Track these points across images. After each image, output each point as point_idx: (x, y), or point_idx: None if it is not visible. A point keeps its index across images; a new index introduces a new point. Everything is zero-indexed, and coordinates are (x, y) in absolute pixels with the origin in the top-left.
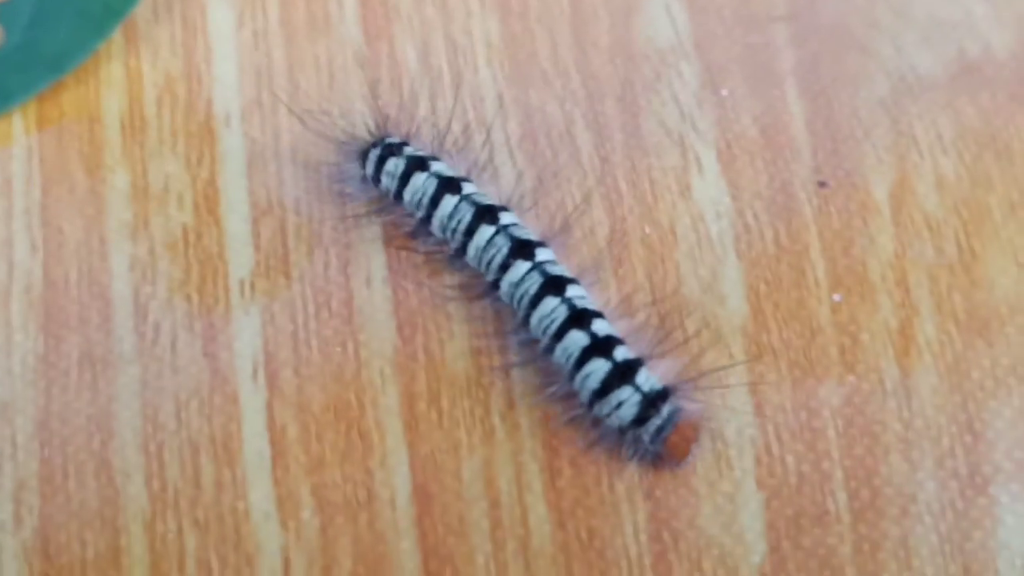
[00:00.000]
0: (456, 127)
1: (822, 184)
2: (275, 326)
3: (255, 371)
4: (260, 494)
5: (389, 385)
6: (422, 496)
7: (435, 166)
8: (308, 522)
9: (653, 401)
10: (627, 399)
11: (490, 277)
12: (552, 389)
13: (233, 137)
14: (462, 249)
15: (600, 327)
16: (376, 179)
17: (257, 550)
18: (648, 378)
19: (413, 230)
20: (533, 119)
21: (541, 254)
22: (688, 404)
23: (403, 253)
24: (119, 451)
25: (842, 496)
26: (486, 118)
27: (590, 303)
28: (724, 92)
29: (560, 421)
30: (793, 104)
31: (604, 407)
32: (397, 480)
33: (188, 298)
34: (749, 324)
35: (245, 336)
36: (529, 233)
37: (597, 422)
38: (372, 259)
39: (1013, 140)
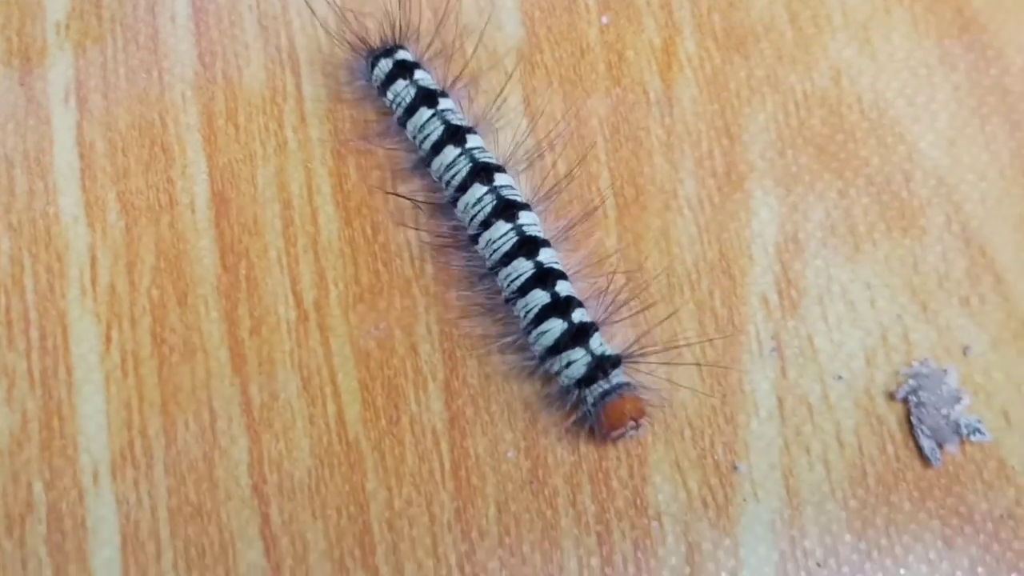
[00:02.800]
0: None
1: None
2: (86, 59)
3: (67, 96)
4: (69, 200)
5: (190, 105)
6: (220, 201)
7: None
8: (114, 224)
9: (603, 365)
10: (578, 359)
11: (471, 231)
12: (508, 339)
13: None
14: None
15: (563, 288)
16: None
17: (66, 248)
18: (601, 343)
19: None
20: None
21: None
22: (638, 379)
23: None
24: None
25: (608, 194)
26: None
27: (557, 261)
28: None
29: (513, 370)
30: None
31: (555, 364)
32: (196, 187)
33: (8, 39)
34: (524, 45)
35: (59, 68)
36: (515, 194)
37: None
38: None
39: None
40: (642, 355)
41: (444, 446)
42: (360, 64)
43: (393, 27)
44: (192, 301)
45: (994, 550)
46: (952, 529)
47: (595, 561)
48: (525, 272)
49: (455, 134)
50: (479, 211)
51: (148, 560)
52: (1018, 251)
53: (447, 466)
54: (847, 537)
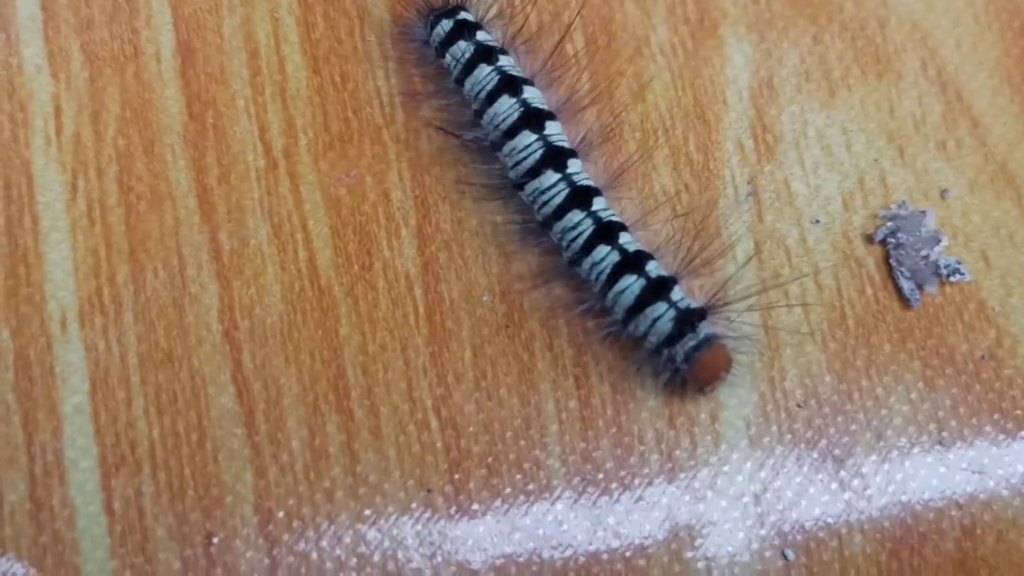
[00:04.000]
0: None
1: None
2: None
3: None
4: (32, 51)
5: None
6: (185, 50)
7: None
8: (78, 74)
9: (689, 318)
10: (662, 315)
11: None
12: (584, 306)
13: None
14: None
15: (628, 240)
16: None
17: (30, 98)
18: (683, 296)
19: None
20: None
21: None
22: (722, 330)
23: None
24: None
25: (580, 40)
26: None
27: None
28: None
29: (596, 335)
30: None
31: (640, 324)
32: (162, 37)
33: None
34: None
35: None
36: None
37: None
38: None
39: None
40: (725, 304)
41: (418, 291)
42: (416, 24)
43: None
44: (159, 150)
45: (975, 390)
46: (933, 370)
47: (573, 404)
48: (585, 228)
49: (511, 83)
50: (526, 156)
51: (119, 406)
52: (994, 96)
53: (421, 311)
54: (827, 379)
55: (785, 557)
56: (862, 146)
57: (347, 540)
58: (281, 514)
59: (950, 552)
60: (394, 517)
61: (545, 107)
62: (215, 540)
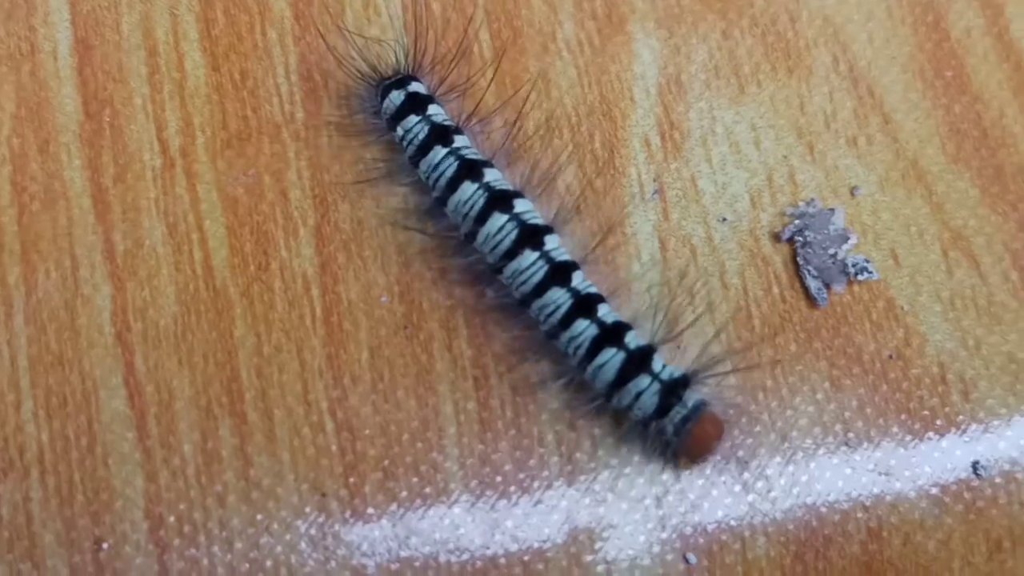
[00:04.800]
0: None
1: None
2: None
3: None
4: None
5: None
6: (83, 48)
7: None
8: None
9: (674, 390)
10: (646, 389)
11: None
12: (563, 380)
13: None
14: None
15: (605, 312)
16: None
17: None
18: (664, 365)
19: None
20: None
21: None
22: (709, 393)
23: None
24: None
25: (485, 36)
26: None
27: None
28: None
29: (581, 410)
30: None
31: (623, 397)
32: (59, 35)
33: None
34: None
35: None
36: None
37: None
38: None
39: None
40: (712, 364)
41: (315, 292)
42: (366, 94)
43: (405, 55)
44: (54, 149)
45: (882, 391)
46: (840, 370)
47: (472, 406)
48: (563, 303)
49: (472, 168)
50: (501, 240)
51: (7, 409)
52: (906, 91)
53: (318, 312)
54: (731, 380)
55: (687, 560)
56: (771, 143)
57: (239, 545)
58: (172, 519)
59: (856, 555)
60: (287, 521)
61: (510, 187)
62: (104, 546)
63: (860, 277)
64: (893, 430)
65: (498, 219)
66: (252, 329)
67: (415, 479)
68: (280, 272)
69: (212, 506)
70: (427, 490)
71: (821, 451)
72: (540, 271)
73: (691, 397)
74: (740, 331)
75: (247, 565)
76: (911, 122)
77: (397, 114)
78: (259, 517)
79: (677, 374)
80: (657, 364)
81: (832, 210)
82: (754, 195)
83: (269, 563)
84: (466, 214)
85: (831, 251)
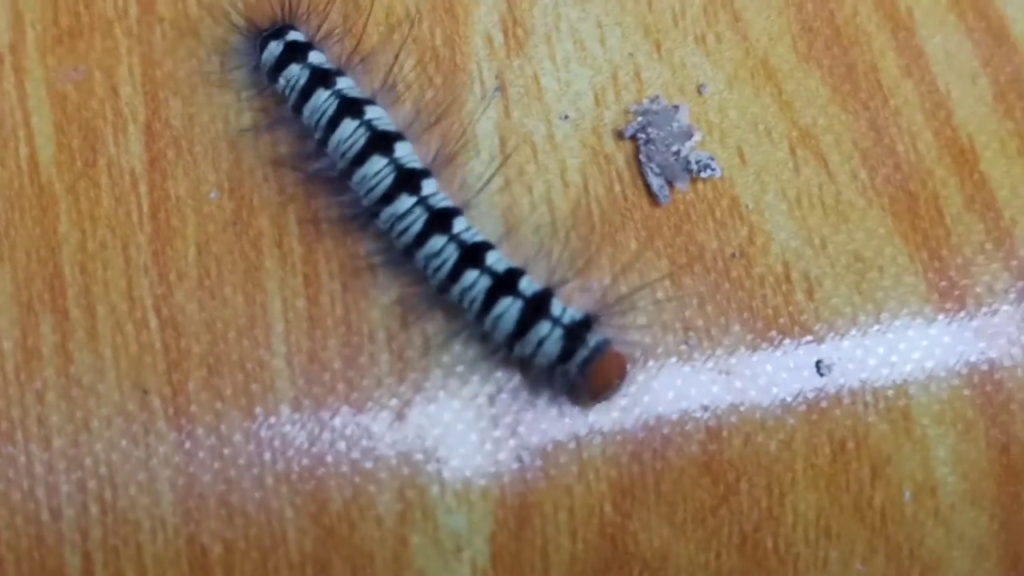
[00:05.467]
0: None
1: None
2: None
3: None
4: None
5: None
6: None
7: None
8: None
9: (576, 332)
10: (547, 335)
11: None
12: (461, 335)
13: None
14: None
15: (495, 259)
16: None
17: None
18: (565, 309)
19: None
20: None
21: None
22: (611, 332)
23: None
24: None
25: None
26: None
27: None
28: None
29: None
30: None
31: (526, 346)
32: None
33: None
34: None
35: None
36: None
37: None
38: None
39: None
40: (614, 303)
41: (143, 188)
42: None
43: (280, 5)
44: None
45: (724, 289)
46: (681, 268)
47: (301, 303)
48: (449, 255)
49: (352, 106)
50: (378, 183)
51: None
52: None
53: (145, 208)
54: (570, 277)
55: (520, 460)
56: (617, 40)
57: (58, 443)
58: None
59: (695, 455)
60: (108, 419)
61: (392, 128)
62: None
63: (703, 174)
64: (735, 329)
65: (377, 162)
66: (77, 225)
67: (241, 376)
68: (108, 168)
69: (31, 403)
70: (253, 387)
71: (659, 350)
72: (420, 219)
73: (594, 338)
74: (579, 228)
75: (64, 463)
76: (762, 20)
77: (278, 65)
78: (79, 414)
79: (579, 316)
80: (556, 308)
81: (676, 107)
82: (598, 93)
83: (88, 461)
84: (344, 153)
85: (674, 148)
